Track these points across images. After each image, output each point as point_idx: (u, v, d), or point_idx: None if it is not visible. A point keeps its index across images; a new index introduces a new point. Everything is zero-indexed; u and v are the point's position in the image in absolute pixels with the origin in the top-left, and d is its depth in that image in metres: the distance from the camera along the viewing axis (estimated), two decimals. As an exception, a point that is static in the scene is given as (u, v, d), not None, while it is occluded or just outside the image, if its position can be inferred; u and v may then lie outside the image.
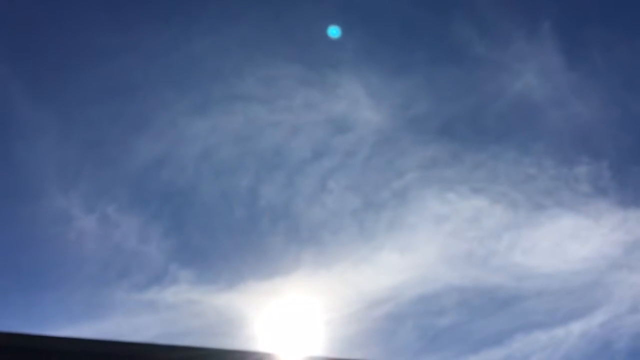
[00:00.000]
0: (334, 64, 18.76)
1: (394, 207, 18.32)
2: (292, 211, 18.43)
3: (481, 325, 17.20)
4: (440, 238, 18.13)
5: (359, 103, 18.60)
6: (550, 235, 17.86)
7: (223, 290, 17.14)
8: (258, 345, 9.43)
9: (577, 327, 16.90)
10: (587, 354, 16.78)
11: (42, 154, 17.82)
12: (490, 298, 17.39)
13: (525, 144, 18.46)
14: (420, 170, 18.37)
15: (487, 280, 17.53)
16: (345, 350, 9.73)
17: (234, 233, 18.34)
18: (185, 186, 18.42)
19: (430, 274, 17.50)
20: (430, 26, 18.87)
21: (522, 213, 18.01)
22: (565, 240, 17.82)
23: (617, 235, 17.56)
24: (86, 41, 18.13)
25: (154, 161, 18.21)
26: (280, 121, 18.58)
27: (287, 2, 18.85)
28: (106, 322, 16.09)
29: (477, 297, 17.43)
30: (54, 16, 17.92)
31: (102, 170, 18.15)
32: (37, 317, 15.47)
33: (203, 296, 17.09)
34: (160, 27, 18.40)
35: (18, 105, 17.70)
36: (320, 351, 9.60)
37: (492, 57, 18.55)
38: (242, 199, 18.38)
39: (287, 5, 18.84)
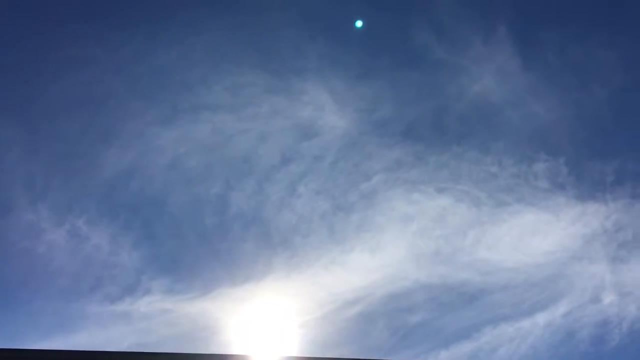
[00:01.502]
0: (298, 70, 19.13)
1: (362, 209, 18.72)
2: (263, 217, 18.67)
3: (450, 321, 17.69)
4: (408, 237, 18.59)
5: (324, 109, 18.99)
6: (513, 231, 18.46)
7: (196, 298, 17.26)
8: (234, 350, 9.66)
9: (541, 318, 17.51)
10: (552, 344, 17.40)
11: (9, 168, 17.70)
12: (458, 293, 17.90)
13: (485, 144, 19.08)
14: (386, 172, 18.82)
15: (455, 276, 18.04)
16: (320, 351, 10.01)
17: (206, 241, 18.48)
18: (155, 196, 18.51)
19: (400, 273, 17.93)
20: (391, 32, 19.40)
21: (485, 210, 18.59)
22: (527, 235, 18.44)
23: (576, 228, 18.25)
24: (52, 54, 18.13)
25: (122, 172, 18.26)
26: (248, 129, 18.84)
27: (251, 11, 19.17)
28: (79, 335, 16.07)
29: (445, 293, 17.92)
30: (18, 30, 17.88)
31: (71, 182, 18.11)
32: (8, 332, 15.35)
33: (176, 305, 17.17)
34: (126, 39, 18.51)
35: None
36: (295, 353, 9.85)
37: (452, 60, 19.16)
38: (213, 207, 18.55)
39: (251, 14, 19.16)
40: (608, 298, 17.46)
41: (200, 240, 18.45)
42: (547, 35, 19.26)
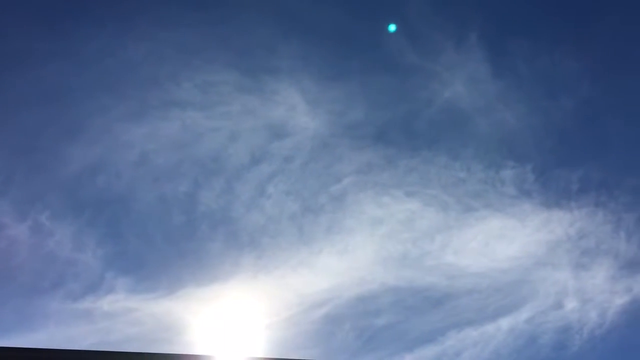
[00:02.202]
0: (271, 70, 19.05)
1: (331, 211, 18.73)
2: (231, 216, 18.52)
3: (416, 324, 17.81)
4: (377, 240, 18.67)
5: (296, 109, 18.95)
6: (480, 236, 18.69)
7: (161, 297, 17.02)
8: (198, 350, 9.53)
9: (505, 323, 17.75)
10: (515, 349, 17.65)
11: (-32, 161, 17.20)
12: (424, 297, 18.04)
13: (455, 149, 19.29)
14: (356, 175, 18.87)
15: (421, 280, 18.17)
16: (286, 353, 9.94)
17: (172, 239, 18.25)
18: (121, 193, 18.20)
19: (367, 276, 17.98)
20: (365, 36, 19.49)
21: (453, 215, 18.78)
22: (494, 240, 18.69)
23: (541, 235, 18.57)
24: (16, 46, 17.69)
25: (88, 167, 17.92)
26: (219, 127, 18.68)
27: (224, 8, 19.03)
28: (39, 333, 15.68)
29: (411, 296, 18.04)
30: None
31: (34, 177, 17.70)
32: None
33: (141, 304, 16.90)
34: (95, 32, 18.18)
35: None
36: (261, 354, 9.78)
37: (424, 66, 19.34)
38: (181, 205, 18.33)
39: (224, 11, 19.01)
40: (570, 304, 17.81)
41: (167, 239, 18.23)
42: (517, 44, 19.61)
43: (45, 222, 17.07)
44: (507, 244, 18.65)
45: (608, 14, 19.04)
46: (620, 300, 17.63)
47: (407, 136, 19.55)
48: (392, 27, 18.68)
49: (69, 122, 18.12)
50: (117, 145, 18.17)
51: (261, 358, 9.67)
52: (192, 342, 15.09)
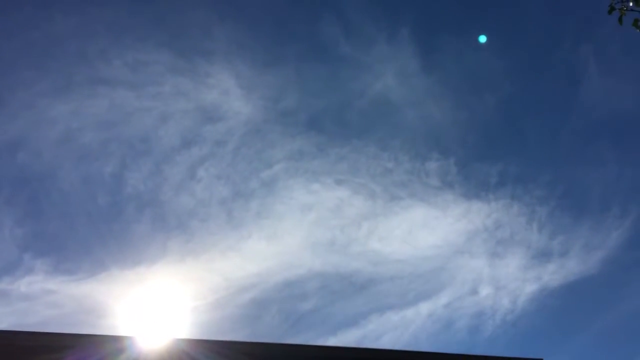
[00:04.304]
0: (205, 53, 18.83)
1: (262, 197, 18.85)
2: (160, 199, 18.28)
3: (340, 308, 18.32)
4: (305, 226, 18.98)
5: (229, 94, 18.85)
6: (404, 224, 19.38)
7: (83, 279, 16.62)
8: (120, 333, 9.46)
9: (424, 308, 18.57)
10: (433, 332, 18.51)
11: None
12: (349, 282, 18.56)
13: (384, 140, 19.84)
14: (287, 162, 19.06)
15: (347, 265, 18.68)
16: (212, 336, 10.05)
17: (96, 221, 17.80)
18: (42, 171, 17.55)
19: (295, 261, 18.28)
20: (300, 24, 19.61)
21: (379, 203, 19.36)
22: (417, 229, 19.43)
23: (460, 225, 19.47)
24: None
25: (8, 143, 17.14)
26: (149, 107, 18.30)
27: (158, -14, 18.57)
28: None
29: (337, 281, 18.52)
30: None
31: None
32: None
33: (61, 286, 16.45)
34: (18, 1, 17.31)
35: None
36: (186, 337, 9.82)
37: (356, 57, 19.69)
38: (106, 186, 17.88)
39: (158, -11, 18.56)
40: (485, 291, 18.83)
41: (90, 220, 17.76)
42: (446, 41, 20.30)
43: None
44: (429, 232, 19.46)
45: (531, 17, 20.05)
46: (530, 288, 18.83)
47: (338, 125, 19.93)
48: (482, 38, 18.85)
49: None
50: (39, 121, 17.47)
51: (186, 339, 9.70)
52: (115, 325, 14.89)
